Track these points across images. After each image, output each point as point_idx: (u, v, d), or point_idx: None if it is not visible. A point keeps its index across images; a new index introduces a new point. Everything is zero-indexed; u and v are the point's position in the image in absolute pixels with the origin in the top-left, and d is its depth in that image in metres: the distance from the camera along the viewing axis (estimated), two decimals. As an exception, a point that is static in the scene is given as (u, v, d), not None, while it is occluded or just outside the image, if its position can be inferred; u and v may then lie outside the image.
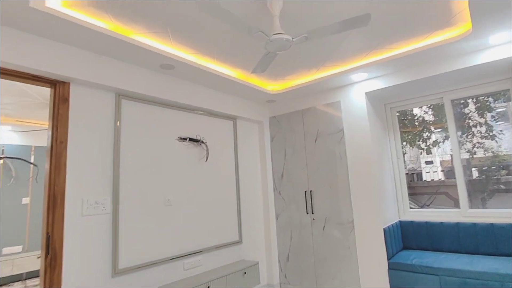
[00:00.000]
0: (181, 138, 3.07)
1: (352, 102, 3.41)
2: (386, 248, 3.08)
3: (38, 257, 4.69)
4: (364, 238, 3.20)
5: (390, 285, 2.99)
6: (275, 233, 3.89)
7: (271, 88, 3.61)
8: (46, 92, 3.48)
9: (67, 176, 2.22)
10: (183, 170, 3.06)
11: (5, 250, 4.52)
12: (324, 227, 3.48)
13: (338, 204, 3.41)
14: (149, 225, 2.68)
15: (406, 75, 3.07)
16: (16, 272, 4.50)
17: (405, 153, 3.82)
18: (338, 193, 3.42)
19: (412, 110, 3.82)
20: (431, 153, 3.86)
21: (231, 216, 3.49)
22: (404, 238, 3.47)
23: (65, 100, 2.29)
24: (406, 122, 3.86)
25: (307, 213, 3.62)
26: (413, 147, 3.92)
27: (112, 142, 2.52)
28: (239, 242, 3.50)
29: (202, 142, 3.26)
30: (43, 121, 4.86)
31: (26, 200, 4.85)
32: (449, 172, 3.64)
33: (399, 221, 3.52)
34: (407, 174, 3.69)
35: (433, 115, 3.74)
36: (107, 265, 2.35)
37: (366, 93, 3.33)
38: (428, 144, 3.80)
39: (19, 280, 4.62)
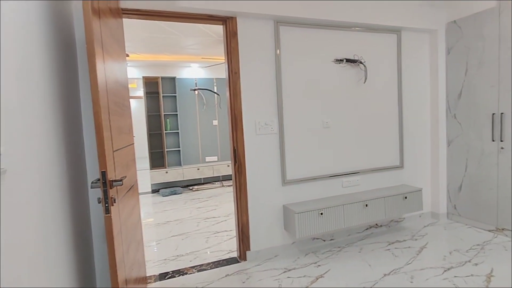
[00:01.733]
0: (337, 60, 2.98)
1: None
2: None
3: (228, 165, 6.10)
4: None
5: None
6: (445, 161, 3.45)
7: (452, -17, 2.82)
8: (219, 29, 4.04)
9: (242, 102, 2.65)
10: (340, 93, 3.03)
11: (207, 159, 6.13)
12: (517, 157, 2.80)
13: (546, 130, 2.60)
14: (310, 145, 2.93)
15: None
16: (215, 174, 6.09)
17: None
18: (547, 116, 2.58)
19: None
20: None
21: (392, 140, 3.31)
22: None
23: (234, 34, 2.60)
24: None
25: (493, 140, 2.97)
26: None
27: (274, 69, 2.75)
28: (400, 167, 3.34)
29: (360, 62, 3.06)
30: (220, 56, 5.74)
31: (215, 122, 6.20)
32: None
33: None
34: None
35: None
36: (277, 175, 2.82)
37: None
38: None
39: (217, 181, 6.26)
